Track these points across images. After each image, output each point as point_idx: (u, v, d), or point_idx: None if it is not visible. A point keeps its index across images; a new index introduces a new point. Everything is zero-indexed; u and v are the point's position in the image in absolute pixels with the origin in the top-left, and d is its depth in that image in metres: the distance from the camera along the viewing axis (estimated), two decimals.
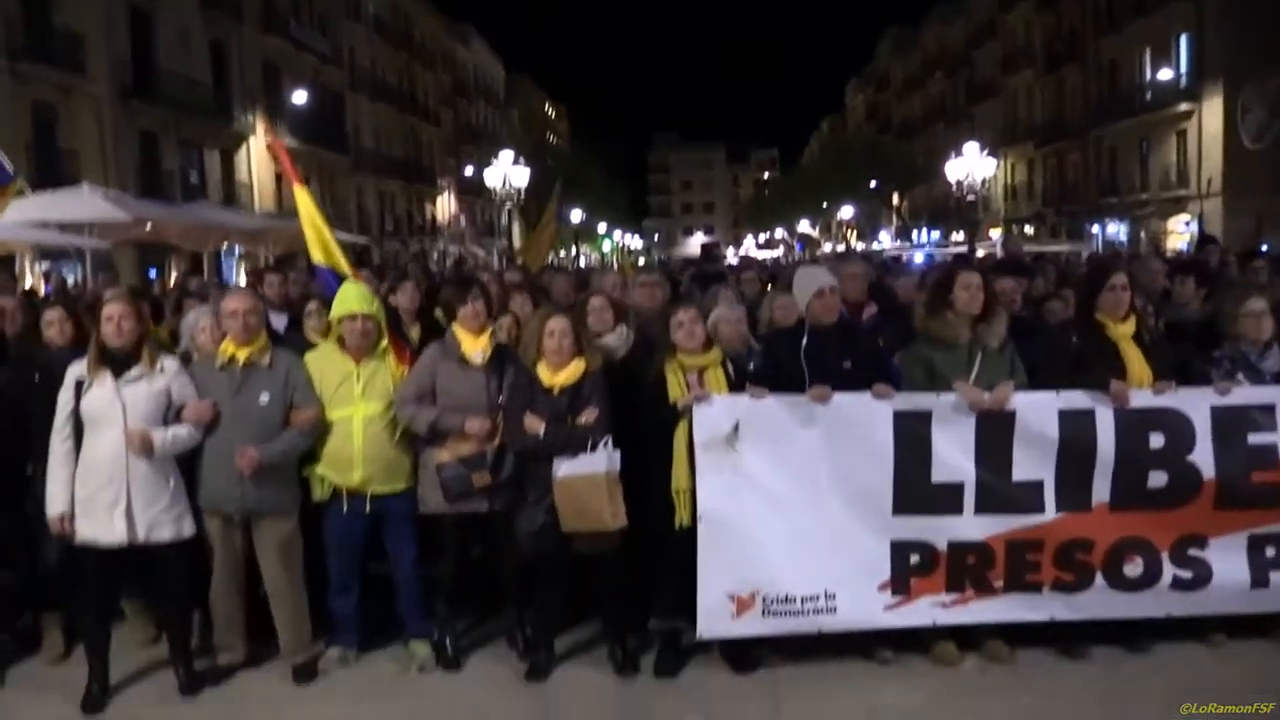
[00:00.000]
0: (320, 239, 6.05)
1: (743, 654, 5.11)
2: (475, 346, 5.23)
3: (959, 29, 57.45)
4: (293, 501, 5.15)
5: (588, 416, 4.97)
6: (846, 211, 63.48)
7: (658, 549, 5.12)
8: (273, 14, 36.97)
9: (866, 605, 5.00)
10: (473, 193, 58.46)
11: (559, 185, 19.05)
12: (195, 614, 5.32)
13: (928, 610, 5.03)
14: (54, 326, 5.47)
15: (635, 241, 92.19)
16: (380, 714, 4.97)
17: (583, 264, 50.28)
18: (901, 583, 5.04)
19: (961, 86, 57.24)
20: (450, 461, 5.09)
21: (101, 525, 4.76)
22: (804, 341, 5.18)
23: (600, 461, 4.87)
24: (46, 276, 13.51)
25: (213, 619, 5.23)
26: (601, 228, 72.36)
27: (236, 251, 26.38)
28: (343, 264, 5.99)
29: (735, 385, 5.09)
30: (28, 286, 15.91)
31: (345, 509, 5.16)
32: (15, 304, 6.07)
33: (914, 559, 5.04)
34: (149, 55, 29.25)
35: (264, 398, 5.00)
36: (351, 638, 5.34)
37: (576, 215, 56.17)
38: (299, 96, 35.14)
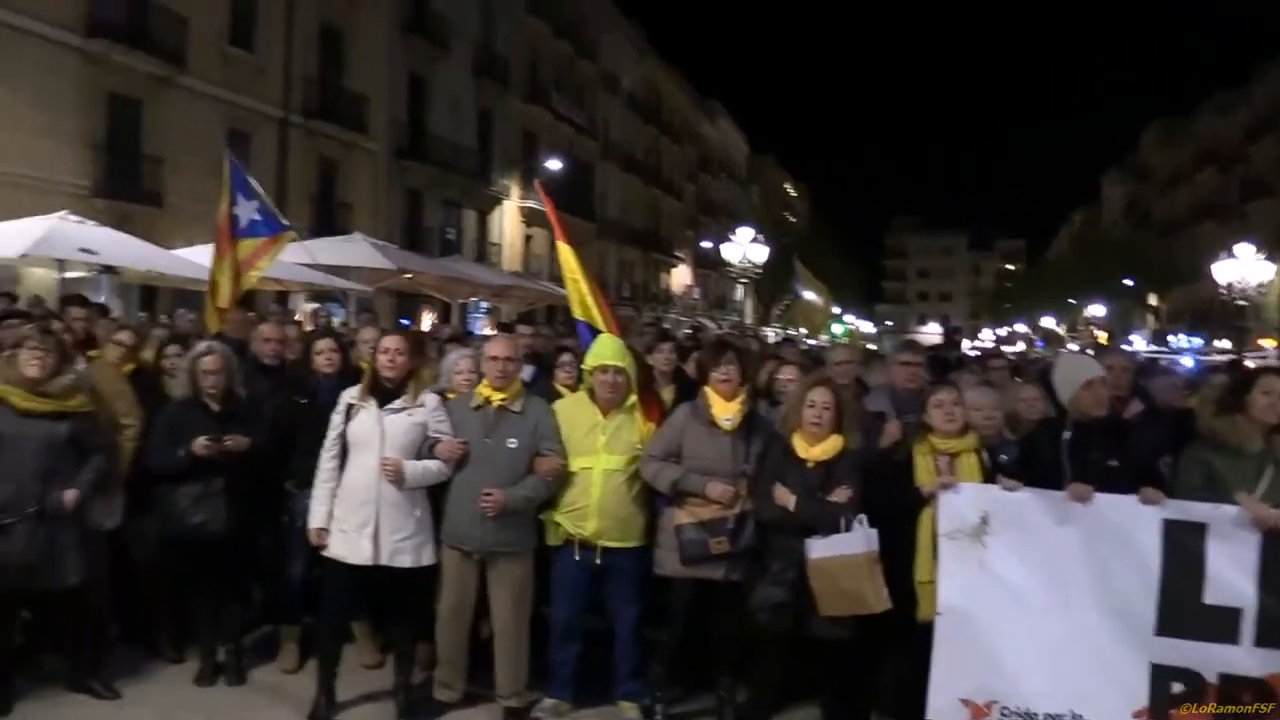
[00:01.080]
0: (579, 294, 6.18)
1: None
2: (726, 411, 5.16)
3: (1235, 121, 53.74)
4: (529, 545, 5.22)
5: (842, 495, 4.78)
6: (1096, 309, 60.06)
7: (888, 641, 4.82)
8: (537, 86, 39.25)
9: None
10: (708, 265, 59.31)
11: (798, 267, 19.01)
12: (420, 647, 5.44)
13: None
14: (324, 355, 5.84)
15: (867, 326, 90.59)
16: None
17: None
18: (1160, 713, 4.47)
19: (1235, 183, 53.32)
20: (689, 524, 5.04)
21: (351, 544, 4.98)
22: (1066, 435, 4.80)
23: (859, 542, 4.66)
24: (314, 315, 14.68)
25: (437, 653, 5.33)
26: (835, 309, 71.58)
27: (483, 307, 27.75)
28: (599, 319, 6.08)
29: (988, 476, 4.77)
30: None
31: (576, 558, 5.17)
32: (279, 334, 6.53)
33: (1177, 688, 4.47)
34: (422, 119, 31.61)
35: (513, 442, 5.12)
36: (568, 690, 5.31)
37: (811, 296, 55.75)
38: (553, 164, 36.91)
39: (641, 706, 5.24)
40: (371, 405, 5.07)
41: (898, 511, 4.76)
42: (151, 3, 21.09)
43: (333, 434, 5.13)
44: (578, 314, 6.22)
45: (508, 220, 38.05)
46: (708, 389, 5.27)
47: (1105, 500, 4.54)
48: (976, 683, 4.53)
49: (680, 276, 60.30)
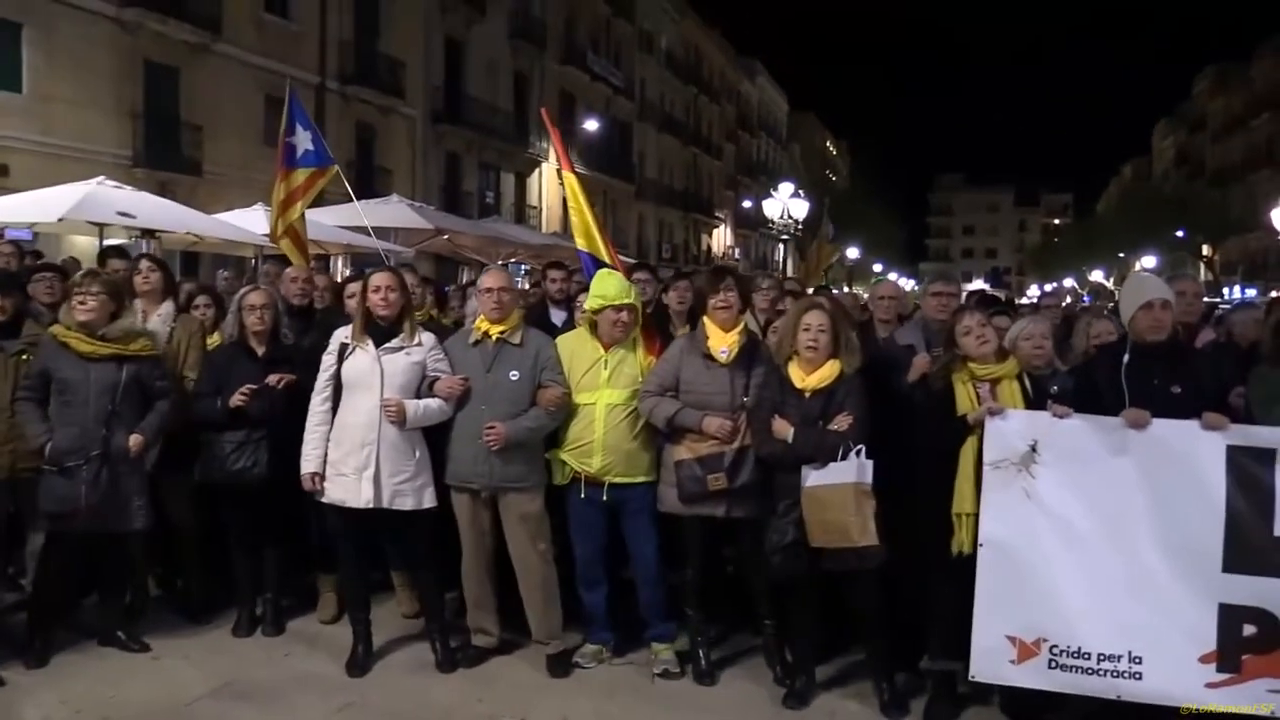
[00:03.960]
0: (584, 223, 5.99)
1: (1028, 710, 4.51)
2: (723, 342, 4.96)
3: None
4: (538, 479, 5.08)
5: (841, 422, 4.58)
6: (1147, 261, 58.82)
7: (934, 578, 4.62)
8: (573, 47, 38.93)
9: (1183, 677, 4.19)
10: (748, 226, 58.84)
11: (827, 203, 18.79)
12: (453, 594, 5.38)
13: (1263, 694, 4.15)
14: (355, 298, 5.71)
15: (910, 284, 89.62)
16: (630, 715, 4.77)
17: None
18: (1230, 658, 4.17)
19: None
20: (688, 460, 4.87)
21: (349, 487, 4.88)
22: (1125, 359, 4.48)
23: (850, 471, 4.47)
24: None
25: (465, 599, 5.25)
26: (877, 268, 70.79)
27: (522, 268, 27.68)
28: (603, 251, 5.91)
29: (1033, 405, 4.52)
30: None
31: (583, 495, 5.04)
32: (326, 281, 6.62)
33: (1249, 630, 4.16)
34: (459, 82, 31.47)
35: (514, 374, 4.99)
36: (606, 635, 5.21)
37: (853, 253, 55.24)
38: (590, 125, 36.60)
39: (681, 651, 5.12)
40: (368, 345, 4.94)
41: (937, 442, 4.55)
42: None
43: (324, 375, 5.01)
44: (581, 245, 6.04)
45: (546, 182, 37.86)
46: (705, 319, 5.08)
47: (1164, 426, 4.25)
48: (1024, 619, 4.32)
49: (720, 237, 59.84)
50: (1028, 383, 4.60)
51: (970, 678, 4.42)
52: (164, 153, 20.37)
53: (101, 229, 11.84)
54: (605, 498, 5.02)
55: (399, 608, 5.76)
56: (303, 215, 8.55)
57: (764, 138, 69.37)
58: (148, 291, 5.62)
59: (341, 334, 5.04)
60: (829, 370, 4.67)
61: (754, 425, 4.77)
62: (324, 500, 4.99)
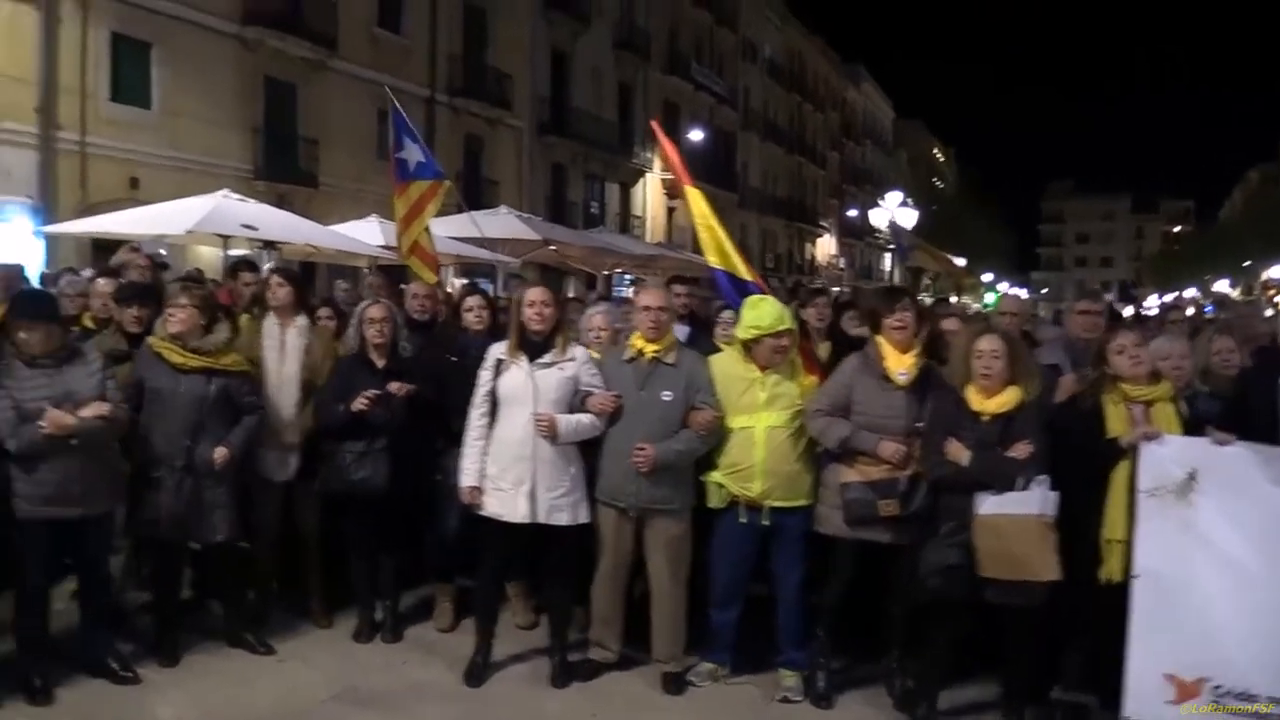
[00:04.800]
0: (715, 240, 5.72)
1: None
2: (900, 364, 4.78)
3: None
4: (686, 502, 5.00)
5: (1020, 450, 4.37)
6: (1275, 272, 56.08)
7: (1075, 607, 4.40)
8: (676, 57, 38.97)
9: None
10: (853, 235, 58.05)
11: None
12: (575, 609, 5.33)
13: None
14: (473, 312, 5.80)
15: (1021, 294, 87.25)
16: None
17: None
18: None
19: None
20: (857, 483, 4.72)
21: (507, 502, 4.87)
22: None
23: (1033, 502, 4.27)
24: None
25: (591, 614, 5.20)
26: (987, 277, 69.13)
27: (626, 279, 27.78)
28: (741, 267, 5.68)
29: (1189, 430, 4.29)
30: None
31: (742, 520, 4.91)
32: (427, 290, 6.62)
33: None
34: (564, 93, 31.78)
35: (667, 395, 4.91)
36: (726, 655, 5.11)
37: (960, 262, 54.09)
38: (694, 135, 36.56)
39: (802, 675, 4.99)
40: (521, 360, 4.93)
41: (1085, 465, 4.33)
42: None
43: (481, 390, 5.01)
44: (714, 262, 5.75)
45: (650, 192, 37.98)
46: (880, 339, 4.90)
47: None
48: (1183, 657, 4.08)
49: (825, 246, 59.18)
50: (1184, 407, 4.37)
51: (1124, 717, 4.19)
52: (282, 166, 21.01)
53: (226, 240, 12.24)
54: (765, 522, 4.91)
55: (513, 618, 5.75)
56: (428, 230, 8.43)
57: (869, 145, 68.39)
58: (278, 306, 5.68)
59: (497, 349, 5.04)
60: (1009, 396, 4.48)
61: (926, 447, 4.61)
62: (482, 514, 4.98)
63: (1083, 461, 4.35)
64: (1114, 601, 4.20)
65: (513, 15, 29.11)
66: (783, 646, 5.05)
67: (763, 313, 4.95)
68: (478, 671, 5.06)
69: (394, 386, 5.25)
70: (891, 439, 4.68)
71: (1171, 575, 4.12)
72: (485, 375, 5.01)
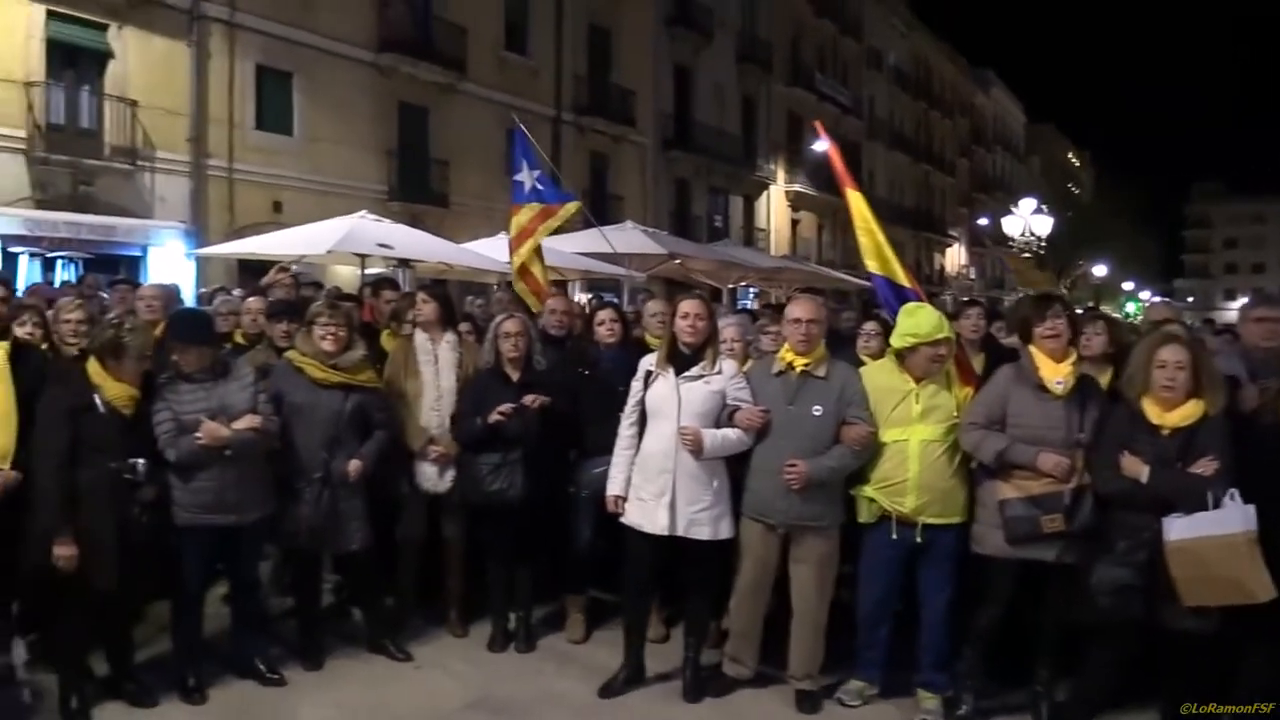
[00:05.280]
0: (874, 244, 5.51)
1: None
2: (1056, 373, 4.57)
3: None
4: (835, 518, 4.89)
5: (1206, 466, 4.13)
6: None
7: (1254, 631, 4.14)
8: (800, 68, 38.74)
9: None
10: (983, 244, 56.56)
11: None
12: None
13: None
14: (605, 325, 5.84)
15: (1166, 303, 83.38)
16: None
17: None
18: None
19: None
20: (1017, 499, 4.52)
21: (647, 512, 4.86)
22: None
23: (1234, 519, 4.00)
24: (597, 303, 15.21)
25: (730, 628, 5.15)
26: (1128, 285, 66.32)
27: (751, 292, 27.67)
28: (900, 274, 5.45)
29: None
30: None
31: (894, 536, 4.78)
32: (565, 305, 6.65)
33: None
34: (687, 108, 31.93)
35: (818, 409, 4.80)
36: (876, 673, 4.98)
37: (1100, 270, 52.09)
38: (819, 145, 36.18)
39: (944, 698, 4.83)
40: (669, 372, 4.90)
41: (1273, 484, 4.05)
42: (434, 15, 22.46)
43: (632, 400, 5.01)
44: (874, 268, 5.53)
45: (774, 205, 37.78)
46: (1032, 348, 4.69)
47: None
48: None
49: (954, 256, 57.78)
50: None
51: None
52: (415, 187, 21.70)
53: (363, 259, 12.67)
54: (919, 539, 4.77)
55: (646, 631, 5.75)
56: (539, 255, 8.49)
57: (1000, 151, 66.57)
58: (425, 322, 5.77)
59: (647, 361, 5.03)
60: (1191, 409, 4.25)
61: (1097, 461, 4.40)
62: (624, 522, 4.98)
63: (1269, 481, 4.06)
64: None
65: (636, 33, 29.43)
66: (923, 667, 4.89)
67: (920, 320, 4.82)
68: (618, 686, 5.05)
69: (529, 399, 5.32)
70: (1051, 451, 4.49)
71: None
72: (636, 386, 5.00)
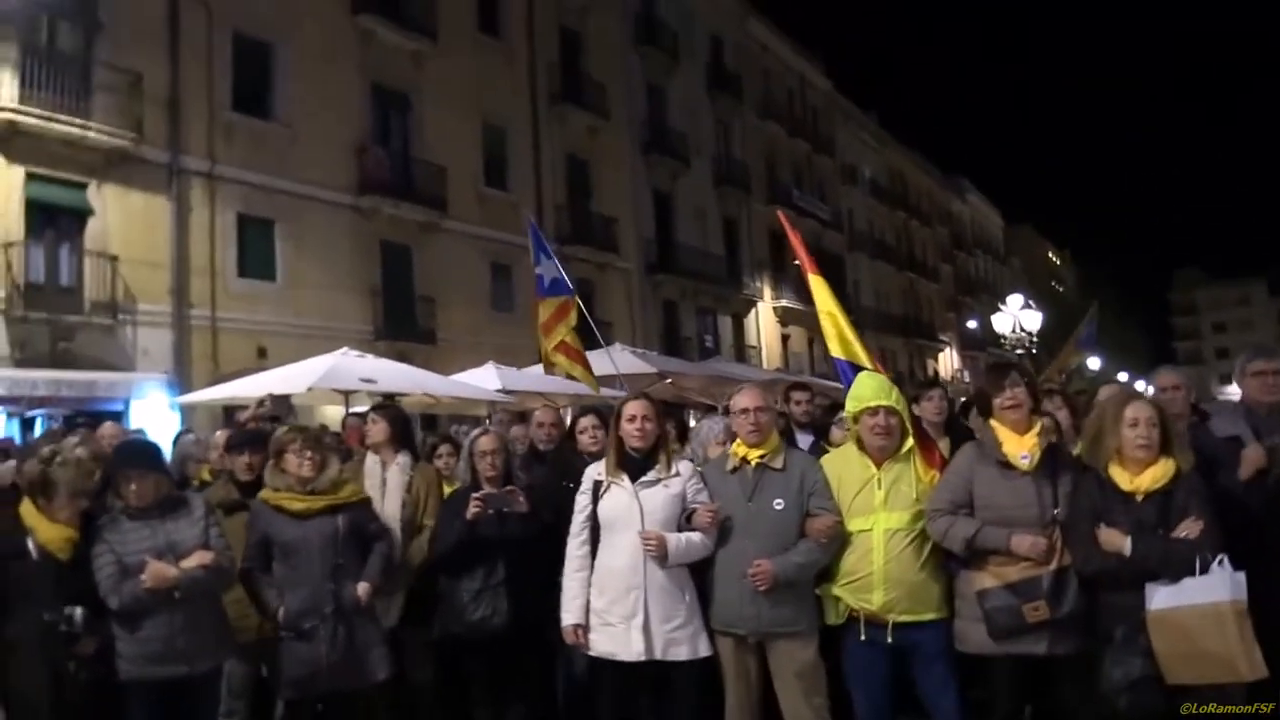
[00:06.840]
0: (837, 328, 5.42)
1: None
2: (1020, 446, 4.23)
3: None
4: (811, 622, 4.47)
5: (1190, 528, 3.80)
6: None
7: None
8: (777, 186, 39.42)
9: None
10: (975, 347, 56.71)
11: (1094, 309, 17.90)
12: None
13: None
14: (587, 434, 5.57)
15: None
16: None
17: None
18: None
19: None
20: (995, 588, 4.13)
21: (618, 638, 4.41)
22: None
23: (1220, 587, 3.66)
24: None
25: None
26: (1122, 376, 66.33)
27: None
28: (862, 356, 5.29)
29: None
30: None
31: (863, 637, 4.36)
32: (554, 417, 6.40)
33: None
34: (669, 232, 32.29)
35: (778, 503, 4.45)
36: None
37: (1094, 363, 51.98)
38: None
39: None
40: (623, 480, 4.54)
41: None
42: (414, 157, 22.77)
43: (579, 517, 4.62)
44: (836, 352, 5.42)
45: (763, 321, 37.90)
46: (993, 422, 4.37)
47: None
48: None
49: (946, 360, 57.83)
50: None
51: None
52: (401, 325, 21.58)
53: (347, 396, 12.39)
54: (890, 640, 4.32)
55: None
56: (574, 332, 9.10)
57: (981, 255, 67.43)
58: (374, 443, 5.60)
59: (594, 471, 4.69)
60: (1163, 469, 3.93)
61: (1073, 538, 4.03)
62: (591, 654, 4.54)
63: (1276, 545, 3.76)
64: None
65: (613, 162, 29.92)
66: None
67: (863, 386, 4.58)
68: None
69: (508, 490, 4.97)
70: (1025, 532, 4.10)
71: None
72: (583, 500, 4.64)
